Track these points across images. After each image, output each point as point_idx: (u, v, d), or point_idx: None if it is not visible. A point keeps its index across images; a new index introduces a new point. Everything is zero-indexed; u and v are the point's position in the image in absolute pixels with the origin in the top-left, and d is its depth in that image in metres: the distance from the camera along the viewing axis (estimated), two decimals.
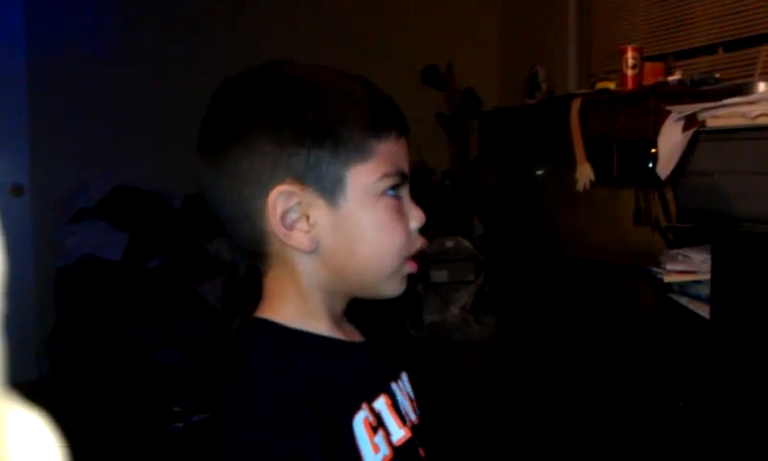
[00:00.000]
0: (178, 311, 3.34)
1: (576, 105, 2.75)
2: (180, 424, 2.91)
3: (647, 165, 2.31)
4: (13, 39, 3.69)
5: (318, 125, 0.79)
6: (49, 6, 3.79)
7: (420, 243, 0.87)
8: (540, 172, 3.27)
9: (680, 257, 2.14)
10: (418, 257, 0.88)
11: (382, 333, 0.96)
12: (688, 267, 2.11)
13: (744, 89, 1.99)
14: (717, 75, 2.59)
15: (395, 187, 0.83)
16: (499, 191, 3.51)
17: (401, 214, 0.84)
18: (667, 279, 2.14)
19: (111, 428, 2.83)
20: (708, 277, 1.98)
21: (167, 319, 3.31)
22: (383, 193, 0.82)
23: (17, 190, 3.74)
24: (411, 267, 0.86)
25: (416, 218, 0.86)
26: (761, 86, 1.96)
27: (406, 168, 0.85)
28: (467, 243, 3.85)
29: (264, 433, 0.74)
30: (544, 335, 2.98)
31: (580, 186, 2.70)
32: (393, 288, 0.86)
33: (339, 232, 0.81)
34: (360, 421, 0.79)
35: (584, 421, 2.62)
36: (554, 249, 3.03)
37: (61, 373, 3.40)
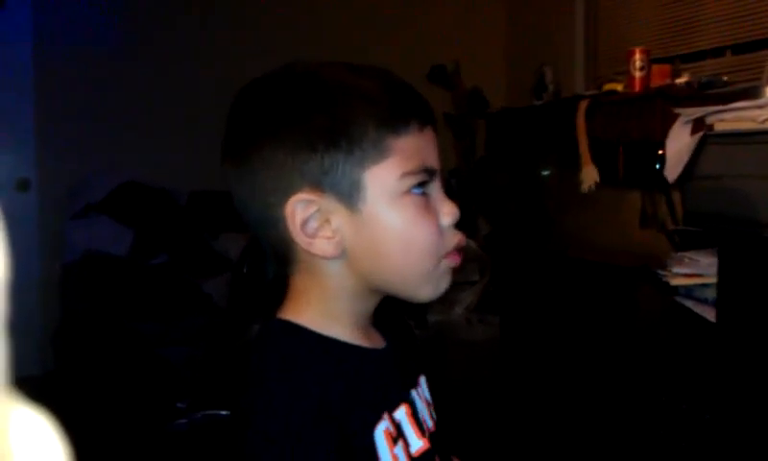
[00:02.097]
0: (183, 308, 3.35)
1: (583, 106, 2.74)
2: (184, 421, 2.91)
3: (654, 167, 2.31)
4: (20, 35, 3.70)
5: (329, 127, 0.76)
6: (56, 2, 3.79)
7: (456, 239, 0.82)
8: (546, 173, 3.26)
9: (686, 260, 2.14)
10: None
11: (402, 335, 0.93)
12: (695, 270, 2.10)
13: (752, 93, 1.98)
14: (725, 78, 2.59)
15: (421, 184, 0.79)
16: (505, 191, 3.51)
17: (430, 212, 0.79)
18: (673, 281, 2.14)
19: (115, 424, 2.83)
20: (714, 280, 1.97)
21: (172, 315, 3.32)
22: (407, 192, 0.78)
23: (23, 184, 3.75)
24: (451, 261, 0.82)
25: (447, 214, 0.81)
26: None
27: (433, 162, 0.80)
28: (472, 243, 3.85)
29: (277, 436, 0.72)
30: (549, 336, 2.98)
31: (585, 188, 2.70)
32: (431, 290, 0.82)
33: (363, 237, 0.78)
34: (381, 432, 0.77)
35: (587, 422, 2.61)
36: (559, 250, 3.03)
37: (66, 368, 3.41)
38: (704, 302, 2.06)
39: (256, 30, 4.02)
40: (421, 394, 0.89)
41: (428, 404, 0.90)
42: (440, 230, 0.80)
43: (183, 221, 3.68)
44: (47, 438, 0.25)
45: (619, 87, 2.81)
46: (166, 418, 2.92)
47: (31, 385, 0.26)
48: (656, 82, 2.67)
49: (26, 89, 3.72)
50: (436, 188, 0.81)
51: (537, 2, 4.38)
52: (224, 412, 2.84)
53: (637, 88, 2.68)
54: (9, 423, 0.24)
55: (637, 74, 2.69)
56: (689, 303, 2.10)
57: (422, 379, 0.92)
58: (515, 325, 3.31)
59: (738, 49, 3.02)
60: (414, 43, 4.27)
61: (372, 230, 0.78)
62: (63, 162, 3.73)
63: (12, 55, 3.66)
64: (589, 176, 2.68)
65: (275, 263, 0.85)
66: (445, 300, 3.77)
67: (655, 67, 2.75)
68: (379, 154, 0.76)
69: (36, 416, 0.25)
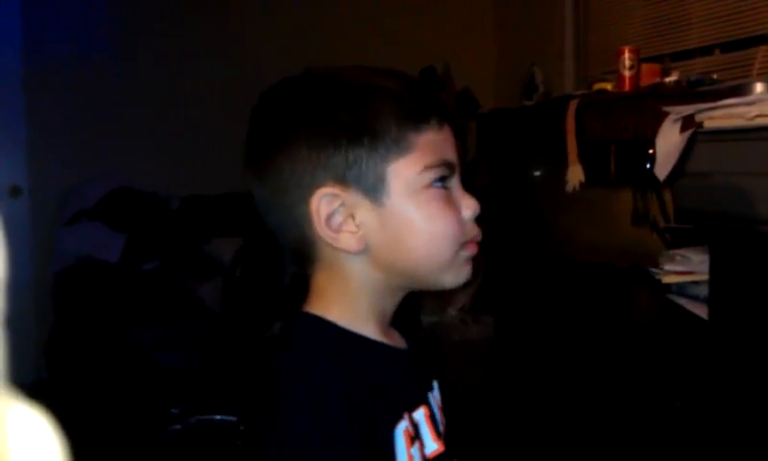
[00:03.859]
0: (175, 313, 3.34)
1: (573, 106, 2.75)
2: (178, 426, 2.91)
3: (644, 166, 2.32)
4: (10, 40, 3.69)
5: (352, 123, 0.77)
6: (46, 6, 3.78)
7: (474, 232, 0.84)
8: (537, 173, 3.27)
9: (678, 258, 2.14)
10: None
11: (418, 340, 0.94)
12: (686, 268, 2.11)
13: (741, 90, 1.99)
14: (714, 76, 2.59)
15: (442, 179, 0.81)
16: (497, 192, 3.51)
17: (451, 204, 0.82)
18: (665, 279, 2.14)
19: (109, 431, 2.83)
20: (706, 277, 1.98)
21: (165, 321, 3.31)
22: (429, 185, 0.80)
23: (15, 191, 3.73)
24: (470, 250, 0.84)
25: (468, 207, 0.83)
26: (758, 87, 1.96)
27: (452, 157, 0.82)
28: None
29: (306, 430, 0.73)
30: (542, 336, 2.98)
31: (569, 188, 2.70)
32: (452, 277, 0.84)
33: (387, 230, 0.80)
34: (401, 431, 0.78)
35: (581, 421, 2.61)
36: (552, 250, 3.03)
37: (59, 375, 3.40)
38: (696, 299, 2.06)
39: (247, 36, 4.01)
40: (436, 398, 0.90)
41: (440, 408, 0.91)
42: (461, 222, 0.82)
43: (175, 226, 3.67)
44: (44, 436, 0.25)
45: (609, 87, 2.82)
46: (160, 423, 2.91)
47: (24, 392, 0.26)
48: (645, 81, 2.68)
49: (17, 95, 3.70)
50: (456, 183, 0.83)
51: (525, 2, 4.39)
52: (218, 417, 2.84)
53: (627, 87, 2.69)
54: (6, 420, 0.24)
55: (627, 73, 2.70)
56: (682, 301, 2.11)
57: (435, 384, 0.93)
58: (509, 324, 3.31)
59: (727, 47, 3.03)
60: (403, 46, 4.27)
61: (396, 223, 0.79)
62: (55, 169, 3.72)
63: (1, 61, 3.65)
64: (575, 176, 2.69)
65: (293, 264, 0.86)
66: (439, 300, 3.78)
67: (644, 66, 2.76)
68: (401, 149, 0.79)
69: (33, 414, 0.25)
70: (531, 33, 4.26)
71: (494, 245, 3.51)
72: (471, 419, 2.91)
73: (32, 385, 3.31)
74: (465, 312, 3.78)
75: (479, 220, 0.85)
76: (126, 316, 3.29)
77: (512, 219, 3.35)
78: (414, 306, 3.60)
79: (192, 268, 3.52)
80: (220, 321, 3.30)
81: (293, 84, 0.83)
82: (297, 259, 0.85)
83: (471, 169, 4.11)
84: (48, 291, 3.54)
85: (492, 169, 3.64)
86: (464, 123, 4.20)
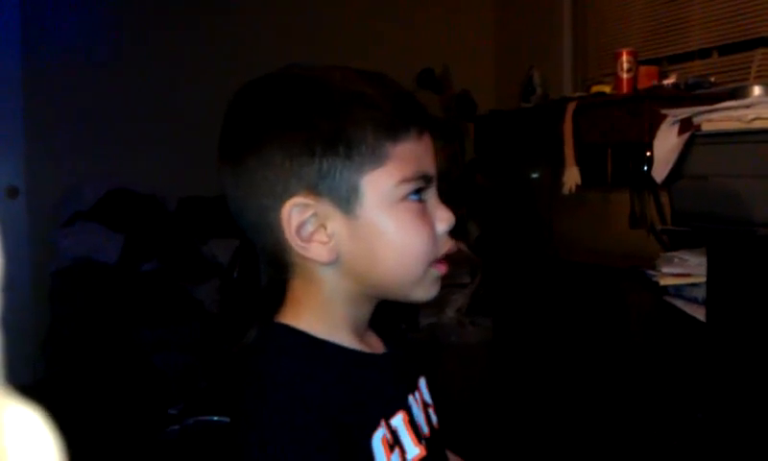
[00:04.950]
0: (173, 314, 3.34)
1: (571, 108, 2.75)
2: (176, 427, 2.90)
3: (642, 168, 2.32)
4: (9, 42, 3.69)
5: (327, 131, 0.75)
6: (45, 8, 3.78)
7: (447, 246, 0.82)
8: (535, 175, 3.27)
9: (675, 260, 2.15)
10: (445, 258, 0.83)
11: (399, 340, 0.93)
12: (684, 270, 2.11)
13: (739, 93, 1.99)
14: (712, 79, 2.60)
15: (418, 191, 0.79)
16: (495, 194, 3.52)
17: (425, 218, 0.80)
18: (663, 281, 2.14)
19: (107, 432, 2.82)
20: (703, 279, 1.98)
21: (162, 322, 3.30)
22: (404, 198, 0.78)
23: (12, 192, 3.73)
24: (439, 269, 0.82)
25: (443, 221, 0.81)
26: (756, 90, 1.96)
27: (430, 169, 0.80)
28: (462, 246, 3.85)
29: (279, 440, 0.72)
30: (540, 338, 2.98)
31: (566, 190, 2.71)
32: (422, 293, 0.82)
33: (358, 242, 0.78)
34: (378, 439, 0.77)
35: (580, 423, 2.62)
36: (550, 252, 3.03)
37: (57, 376, 3.39)
38: (693, 301, 2.07)
39: (244, 37, 4.01)
40: (419, 398, 0.89)
41: (426, 407, 0.90)
42: (435, 237, 0.80)
43: (173, 227, 3.67)
44: (41, 436, 0.25)
45: (607, 89, 2.82)
46: (158, 424, 2.91)
47: (21, 393, 0.26)
48: (643, 83, 2.68)
49: (15, 96, 3.70)
50: (432, 194, 0.82)
51: (525, 4, 4.39)
52: (216, 418, 2.84)
53: (625, 90, 2.69)
54: (3, 420, 0.24)
55: (625, 76, 2.70)
56: (679, 303, 2.11)
57: (422, 382, 0.92)
58: (506, 327, 3.31)
59: (725, 50, 3.04)
60: (402, 47, 4.28)
61: (369, 235, 0.78)
62: (52, 170, 3.72)
63: (0, 62, 3.65)
64: (571, 178, 2.70)
65: (269, 268, 0.84)
66: (437, 302, 3.78)
67: (642, 69, 2.76)
68: (377, 160, 0.76)
69: (30, 414, 0.25)
70: (530, 35, 4.27)
71: (492, 247, 3.51)
72: (469, 420, 2.91)
73: (29, 385, 3.30)
74: (462, 314, 3.78)
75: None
76: (123, 317, 3.29)
77: (509, 221, 3.35)
78: (411, 309, 3.60)
79: (189, 269, 3.52)
80: (217, 322, 3.29)
81: (272, 84, 0.81)
82: (272, 264, 0.83)
83: (469, 171, 4.12)
84: (45, 292, 3.54)
85: (489, 171, 3.64)
86: (462, 125, 4.20)
